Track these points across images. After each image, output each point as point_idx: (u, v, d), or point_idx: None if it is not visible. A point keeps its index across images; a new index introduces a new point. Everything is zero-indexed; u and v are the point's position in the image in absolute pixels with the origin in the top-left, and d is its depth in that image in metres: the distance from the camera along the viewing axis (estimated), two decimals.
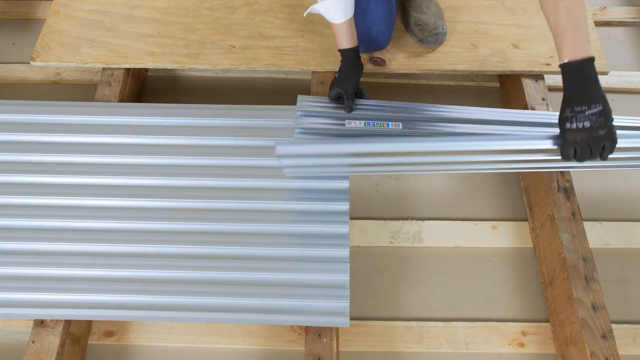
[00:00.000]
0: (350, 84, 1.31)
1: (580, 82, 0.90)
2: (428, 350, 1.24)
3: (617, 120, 1.32)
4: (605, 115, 0.90)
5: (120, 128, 1.36)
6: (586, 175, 1.49)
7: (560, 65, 0.91)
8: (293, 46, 1.53)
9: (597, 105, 0.89)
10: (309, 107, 1.35)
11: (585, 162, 0.95)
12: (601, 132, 0.89)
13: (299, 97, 1.38)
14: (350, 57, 1.30)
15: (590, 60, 0.90)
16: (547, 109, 1.43)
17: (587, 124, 0.89)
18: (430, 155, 1.12)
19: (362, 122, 1.32)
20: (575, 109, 0.90)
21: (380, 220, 1.40)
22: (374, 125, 1.31)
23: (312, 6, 1.25)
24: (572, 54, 0.89)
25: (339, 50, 1.31)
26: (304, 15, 1.29)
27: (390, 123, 1.31)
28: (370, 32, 1.40)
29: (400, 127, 1.31)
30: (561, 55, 0.91)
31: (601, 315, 1.14)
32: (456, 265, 1.35)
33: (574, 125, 0.91)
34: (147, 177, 1.29)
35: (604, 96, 0.90)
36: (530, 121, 1.34)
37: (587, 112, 0.89)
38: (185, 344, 1.24)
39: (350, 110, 1.31)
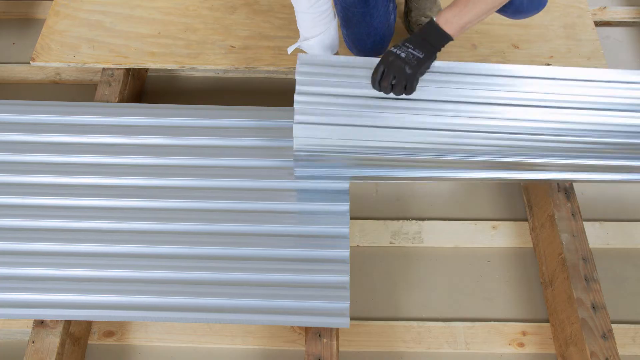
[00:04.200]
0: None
1: (426, 35, 1.06)
2: (428, 350, 1.24)
3: (614, 74, 1.21)
4: (419, 62, 1.05)
5: (120, 128, 1.36)
6: None
7: (431, 18, 1.07)
8: None
9: (421, 52, 1.05)
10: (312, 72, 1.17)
11: (390, 94, 1.09)
12: (408, 70, 1.04)
13: (300, 55, 1.18)
14: None
15: (447, 36, 1.05)
16: None
17: (402, 54, 1.04)
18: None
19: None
20: (406, 43, 1.06)
21: (380, 220, 1.40)
22: None
23: (294, 45, 1.22)
24: (442, 22, 1.05)
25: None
26: (289, 53, 1.24)
27: None
28: (366, 44, 1.40)
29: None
30: (439, 15, 1.05)
31: (601, 315, 1.14)
32: (456, 265, 1.35)
33: (394, 50, 1.06)
34: (147, 177, 1.29)
35: (431, 55, 1.06)
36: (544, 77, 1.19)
37: (409, 50, 1.05)
38: (185, 344, 1.24)
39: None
